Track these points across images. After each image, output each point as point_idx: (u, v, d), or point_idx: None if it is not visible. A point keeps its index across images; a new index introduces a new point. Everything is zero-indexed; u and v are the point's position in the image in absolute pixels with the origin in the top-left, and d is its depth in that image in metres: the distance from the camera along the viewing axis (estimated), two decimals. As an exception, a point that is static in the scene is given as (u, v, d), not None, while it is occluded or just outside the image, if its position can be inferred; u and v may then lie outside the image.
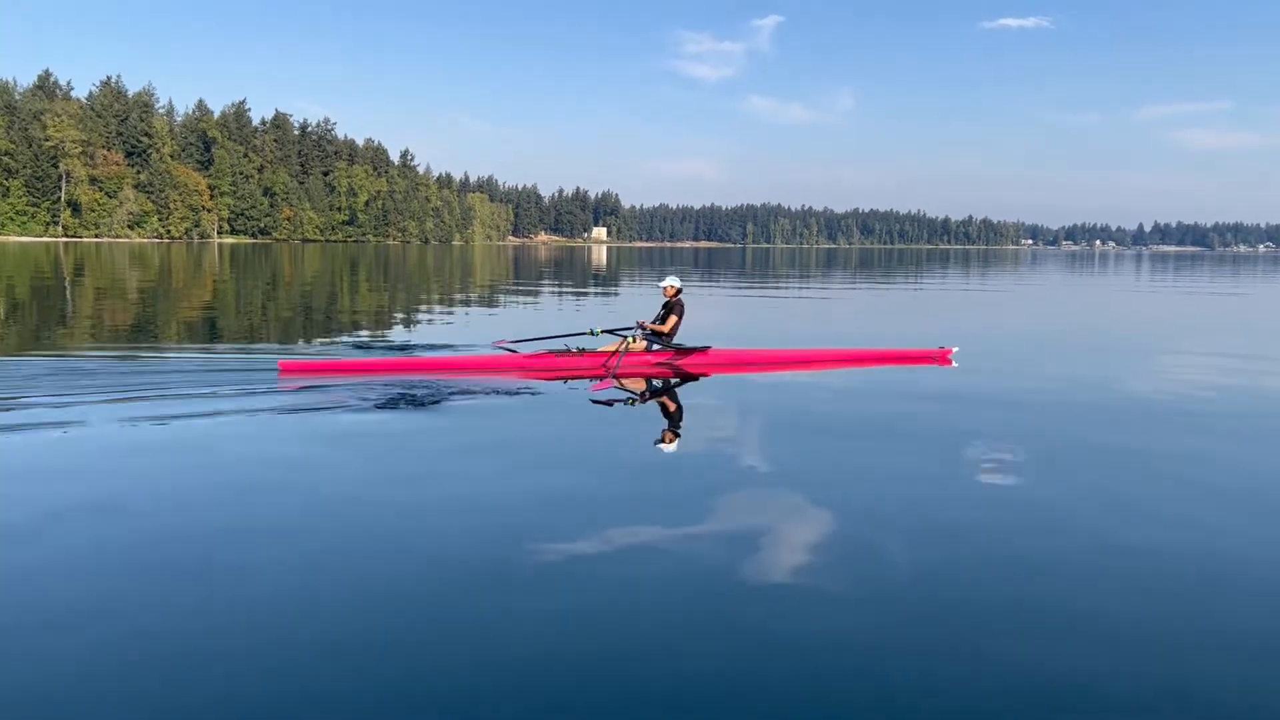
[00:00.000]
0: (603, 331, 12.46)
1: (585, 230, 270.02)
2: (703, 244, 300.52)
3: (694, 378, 12.12)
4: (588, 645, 4.25)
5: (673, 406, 10.87)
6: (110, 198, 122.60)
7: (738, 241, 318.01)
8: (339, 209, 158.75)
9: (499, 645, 4.21)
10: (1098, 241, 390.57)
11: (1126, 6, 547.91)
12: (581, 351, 12.19)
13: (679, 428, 9.52)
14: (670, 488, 6.99)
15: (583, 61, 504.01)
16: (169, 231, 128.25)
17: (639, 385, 11.63)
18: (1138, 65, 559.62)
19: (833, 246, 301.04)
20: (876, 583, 5.07)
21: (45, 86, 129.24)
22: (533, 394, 10.60)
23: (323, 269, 49.59)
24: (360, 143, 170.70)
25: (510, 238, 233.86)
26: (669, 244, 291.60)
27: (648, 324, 12.65)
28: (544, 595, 4.75)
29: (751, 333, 19.77)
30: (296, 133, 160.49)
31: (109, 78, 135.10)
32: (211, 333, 17.80)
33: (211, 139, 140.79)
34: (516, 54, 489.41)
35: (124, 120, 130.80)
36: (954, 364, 13.57)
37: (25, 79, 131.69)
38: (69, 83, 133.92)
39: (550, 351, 12.20)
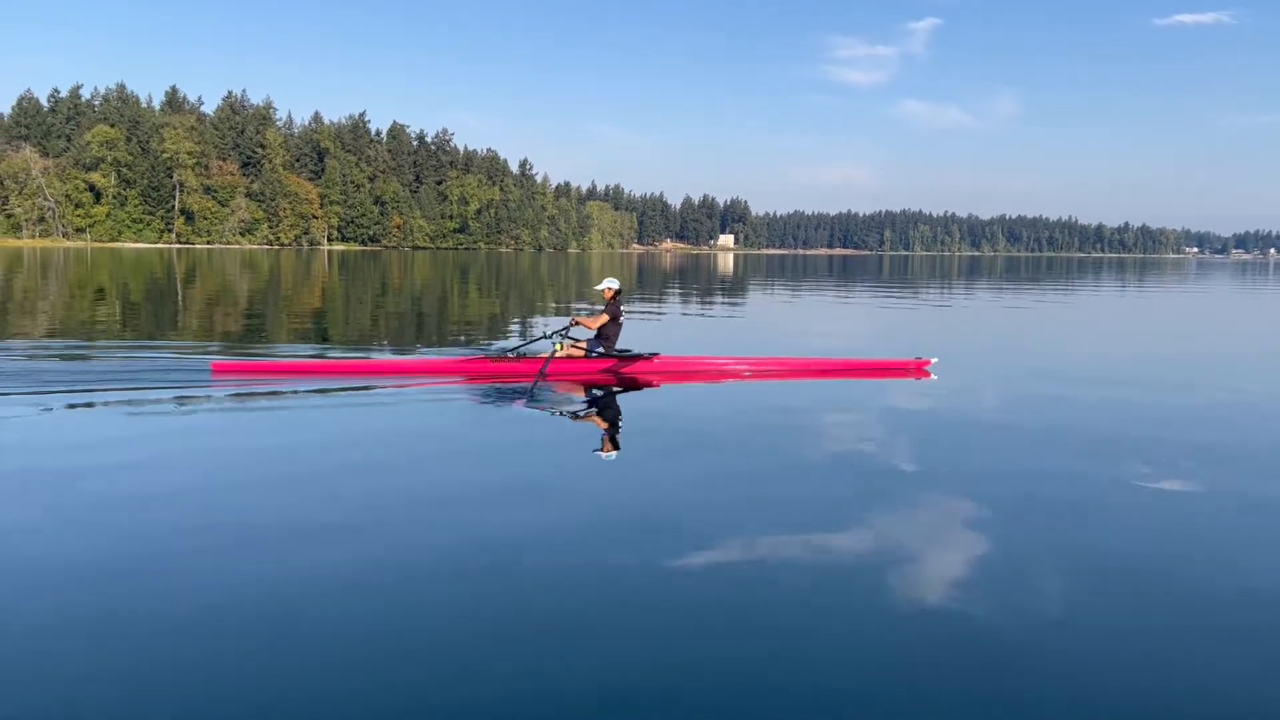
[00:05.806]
0: (554, 335, 12.26)
1: (711, 238, 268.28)
2: (837, 251, 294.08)
3: (637, 386, 11.63)
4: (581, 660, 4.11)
5: (611, 416, 10.34)
6: (222, 206, 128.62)
7: (874, 248, 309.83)
8: (450, 217, 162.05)
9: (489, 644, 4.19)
10: (1272, 250, 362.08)
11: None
12: (520, 357, 12.07)
13: (616, 437, 9.08)
14: (596, 499, 6.62)
15: (730, 69, 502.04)
16: (278, 238, 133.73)
17: (577, 393, 11.33)
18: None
19: (976, 254, 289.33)
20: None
21: (173, 102, 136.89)
22: (465, 398, 10.74)
23: (431, 275, 50.56)
24: (482, 153, 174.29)
25: (634, 245, 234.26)
26: (800, 251, 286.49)
27: (581, 318, 12.65)
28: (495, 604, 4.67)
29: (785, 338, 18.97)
30: (414, 144, 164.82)
31: (230, 93, 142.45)
32: (322, 335, 18.46)
33: (325, 149, 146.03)
34: (661, 65, 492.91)
35: (241, 132, 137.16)
36: (932, 376, 12.58)
37: (160, 96, 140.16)
38: (199, 98, 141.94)
39: (486, 356, 12.28)
